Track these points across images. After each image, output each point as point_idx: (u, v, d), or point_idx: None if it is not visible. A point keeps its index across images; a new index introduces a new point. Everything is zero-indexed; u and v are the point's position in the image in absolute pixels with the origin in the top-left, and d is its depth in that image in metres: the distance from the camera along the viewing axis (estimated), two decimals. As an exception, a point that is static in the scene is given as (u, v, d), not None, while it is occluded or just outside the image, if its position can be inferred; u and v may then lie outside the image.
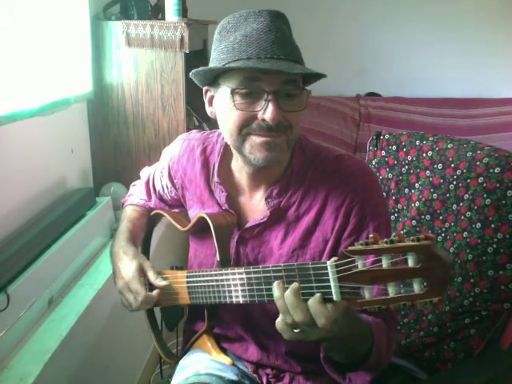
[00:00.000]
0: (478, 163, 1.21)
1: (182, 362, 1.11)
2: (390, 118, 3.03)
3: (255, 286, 0.83)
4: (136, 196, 1.23)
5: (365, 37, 3.19)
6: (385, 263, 0.63)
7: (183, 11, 1.95)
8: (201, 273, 0.96)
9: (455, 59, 3.16)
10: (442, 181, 1.29)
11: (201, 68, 0.89)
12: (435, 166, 1.31)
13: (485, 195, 1.19)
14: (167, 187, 1.14)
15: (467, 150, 1.26)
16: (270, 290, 0.79)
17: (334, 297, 0.69)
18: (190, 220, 1.07)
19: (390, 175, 1.42)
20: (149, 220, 1.21)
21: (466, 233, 1.22)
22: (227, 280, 0.89)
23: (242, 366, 1.08)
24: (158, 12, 2.13)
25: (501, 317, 1.19)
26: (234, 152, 0.97)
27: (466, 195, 1.23)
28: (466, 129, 3.00)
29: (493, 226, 1.17)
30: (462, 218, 1.24)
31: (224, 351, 1.07)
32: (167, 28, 1.86)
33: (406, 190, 1.39)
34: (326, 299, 0.70)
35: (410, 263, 0.61)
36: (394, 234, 0.63)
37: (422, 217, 1.33)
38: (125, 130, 2.02)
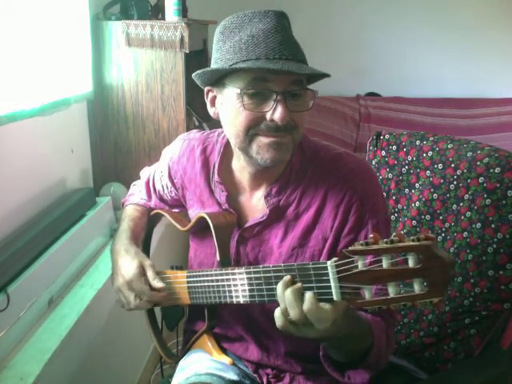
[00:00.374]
0: (478, 163, 1.21)
1: (182, 362, 1.11)
2: (389, 118, 3.03)
3: (255, 285, 0.83)
4: (136, 196, 1.23)
5: (365, 37, 3.19)
6: (385, 263, 0.63)
7: (183, 11, 1.95)
8: (201, 273, 0.96)
9: (455, 59, 3.16)
10: (442, 181, 1.29)
11: (207, 68, 0.88)
12: (435, 166, 1.31)
13: (485, 195, 1.19)
14: (167, 187, 1.14)
15: (467, 149, 1.26)
16: (271, 290, 0.79)
17: (335, 297, 0.69)
18: (190, 220, 1.07)
19: (390, 175, 1.42)
20: (149, 220, 1.21)
21: (466, 233, 1.22)
22: (227, 280, 0.89)
23: (242, 366, 1.09)
24: (158, 12, 2.13)
25: (501, 317, 1.19)
26: (236, 152, 0.97)
27: (467, 195, 1.23)
28: (466, 129, 3.00)
29: (493, 225, 1.17)
30: (462, 217, 1.24)
31: (224, 351, 1.07)
32: (167, 28, 1.86)
33: (406, 190, 1.39)
34: (326, 299, 0.70)
35: (411, 263, 0.61)
36: (394, 234, 0.63)
37: (422, 217, 1.33)
38: (125, 130, 2.02)
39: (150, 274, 1.00)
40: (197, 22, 2.08)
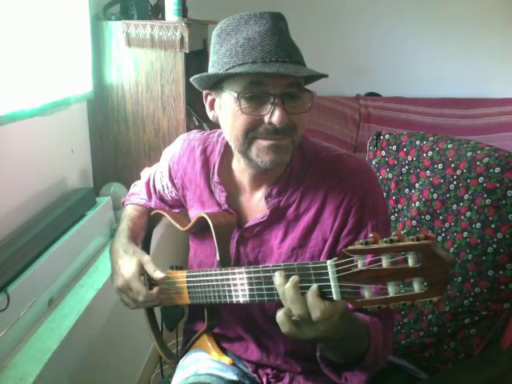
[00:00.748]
0: (478, 163, 1.21)
1: (182, 362, 1.11)
2: (389, 118, 3.03)
3: (255, 285, 0.83)
4: (137, 196, 1.23)
5: (365, 37, 3.19)
6: (385, 263, 0.63)
7: (183, 11, 1.95)
8: (201, 272, 0.96)
9: (455, 59, 3.16)
10: (442, 181, 1.29)
11: (204, 74, 0.88)
12: (435, 165, 1.31)
13: (485, 195, 1.19)
14: (167, 187, 1.14)
15: (467, 149, 1.26)
16: (270, 289, 0.79)
17: (334, 296, 0.69)
18: (190, 220, 1.07)
19: (390, 175, 1.42)
20: (149, 220, 1.21)
21: (466, 233, 1.22)
22: (227, 280, 0.89)
23: (242, 366, 1.09)
24: (158, 12, 2.14)
25: (501, 317, 1.19)
26: (236, 153, 0.97)
27: (466, 195, 1.23)
28: (466, 129, 2.99)
29: (493, 226, 1.17)
30: (462, 217, 1.24)
31: (224, 351, 1.07)
32: (167, 28, 1.86)
33: (406, 190, 1.39)
34: (326, 298, 0.70)
35: (410, 263, 0.61)
36: (393, 233, 0.63)
37: (422, 217, 1.33)
38: (125, 130, 2.02)
39: (149, 267, 1.00)
40: (197, 21, 2.08)
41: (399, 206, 1.41)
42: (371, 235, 0.64)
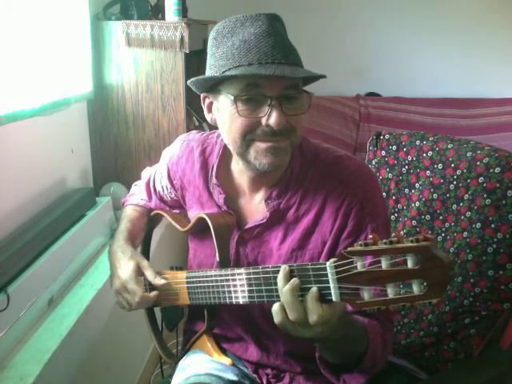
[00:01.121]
0: (478, 163, 1.21)
1: (182, 363, 1.11)
2: (389, 118, 3.02)
3: (255, 286, 0.83)
4: (137, 196, 1.23)
5: (365, 37, 3.19)
6: (384, 264, 0.62)
7: (183, 11, 1.95)
8: (201, 273, 0.96)
9: (455, 59, 3.16)
10: (442, 181, 1.29)
11: (200, 77, 0.88)
12: (435, 165, 1.31)
13: (485, 195, 1.19)
14: (167, 188, 1.14)
15: (467, 149, 1.26)
16: (270, 290, 0.79)
17: (334, 298, 0.69)
18: (190, 221, 1.07)
19: (390, 175, 1.42)
20: (149, 220, 1.21)
21: (466, 233, 1.22)
22: (227, 280, 0.89)
23: (241, 367, 1.09)
24: (158, 12, 2.13)
25: (501, 317, 1.19)
26: (235, 155, 0.96)
27: (466, 195, 1.23)
28: (466, 129, 2.99)
29: (493, 225, 1.17)
30: (462, 217, 1.24)
31: (224, 351, 1.07)
32: (167, 28, 1.86)
33: (406, 190, 1.39)
34: (325, 300, 0.70)
35: (409, 264, 0.61)
36: (393, 234, 0.63)
37: (422, 217, 1.33)
38: (125, 130, 2.02)
39: (149, 273, 1.00)
40: (197, 22, 2.08)
41: (399, 206, 1.41)
42: (370, 237, 0.64)
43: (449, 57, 3.15)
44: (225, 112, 0.88)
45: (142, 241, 1.20)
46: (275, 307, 0.73)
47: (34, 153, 1.50)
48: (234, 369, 1.07)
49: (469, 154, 1.25)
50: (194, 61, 2.11)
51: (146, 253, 1.22)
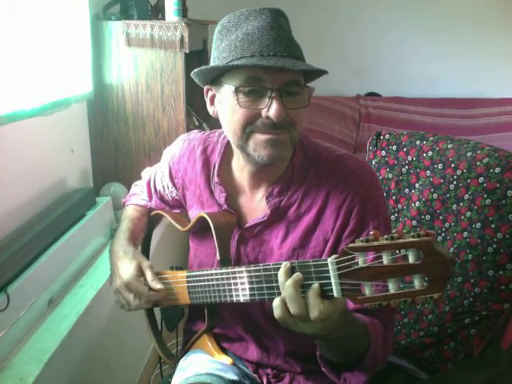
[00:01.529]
0: (478, 163, 1.21)
1: (182, 362, 1.11)
2: (389, 118, 3.02)
3: (256, 284, 0.83)
4: (137, 196, 1.23)
5: (365, 37, 3.19)
6: (385, 259, 0.63)
7: (183, 11, 1.95)
8: (201, 272, 0.96)
9: (455, 59, 3.16)
10: (442, 181, 1.29)
11: (203, 67, 0.89)
12: (435, 165, 1.31)
13: (485, 195, 1.19)
14: (168, 187, 1.14)
15: (467, 149, 1.26)
16: (271, 287, 0.79)
17: (335, 294, 0.69)
18: (190, 220, 1.07)
19: (390, 175, 1.42)
20: (149, 220, 1.21)
21: (466, 233, 1.22)
22: (227, 279, 0.89)
23: (242, 366, 1.09)
24: (158, 12, 2.13)
25: (501, 317, 1.19)
26: (236, 151, 0.97)
27: (466, 195, 1.23)
28: (466, 129, 2.99)
29: (493, 225, 1.17)
30: (462, 217, 1.24)
31: (224, 351, 1.07)
32: (167, 28, 1.86)
33: (406, 190, 1.39)
34: (327, 296, 0.70)
35: (411, 259, 0.61)
36: (394, 231, 0.63)
37: (422, 217, 1.33)
38: (125, 130, 2.02)
39: (148, 275, 1.00)
40: (197, 22, 2.08)
41: (399, 206, 1.41)
42: (372, 233, 0.64)
43: (449, 57, 3.15)
44: (226, 103, 0.89)
45: (142, 241, 1.20)
46: (276, 301, 0.73)
47: (34, 153, 1.50)
48: (235, 368, 1.07)
49: (469, 154, 1.25)
50: (194, 61, 2.11)
51: (145, 253, 1.22)
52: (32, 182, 1.49)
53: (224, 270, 0.90)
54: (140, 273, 1.01)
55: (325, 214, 0.93)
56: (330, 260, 0.69)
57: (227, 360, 1.04)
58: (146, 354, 2.10)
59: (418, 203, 1.34)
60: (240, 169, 0.99)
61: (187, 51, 1.88)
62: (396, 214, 1.42)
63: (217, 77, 0.90)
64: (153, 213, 1.20)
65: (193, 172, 1.06)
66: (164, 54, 1.91)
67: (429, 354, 1.26)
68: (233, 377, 1.05)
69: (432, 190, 1.31)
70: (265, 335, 1.03)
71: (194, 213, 1.06)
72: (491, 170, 1.18)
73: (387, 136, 1.44)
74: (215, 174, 1.01)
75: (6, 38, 1.28)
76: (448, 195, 1.28)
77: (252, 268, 0.83)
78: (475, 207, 1.21)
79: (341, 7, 3.15)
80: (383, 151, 1.44)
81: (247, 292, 0.85)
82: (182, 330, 1.19)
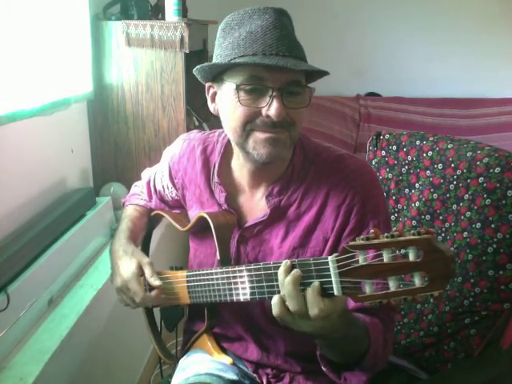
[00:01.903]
0: (478, 163, 1.21)
1: (182, 362, 1.11)
2: (389, 118, 3.03)
3: (256, 283, 0.83)
4: (137, 196, 1.23)
5: (365, 37, 3.19)
6: (386, 257, 0.63)
7: (183, 11, 1.95)
8: (201, 272, 0.96)
9: (455, 59, 3.16)
10: (442, 181, 1.29)
11: (205, 63, 0.89)
12: (435, 165, 1.31)
13: (485, 195, 1.19)
14: (168, 187, 1.14)
15: (467, 149, 1.26)
16: (271, 286, 0.79)
17: (335, 292, 0.69)
18: (190, 221, 1.07)
19: (390, 175, 1.42)
20: (149, 220, 1.21)
21: (466, 233, 1.22)
22: (228, 278, 0.89)
23: (242, 366, 1.09)
24: (158, 12, 2.13)
25: (501, 317, 1.19)
26: (236, 149, 0.97)
27: (466, 195, 1.23)
28: (466, 129, 2.99)
29: (493, 225, 1.17)
30: (462, 217, 1.24)
31: (224, 351, 1.07)
32: (167, 28, 1.86)
33: (406, 190, 1.39)
34: (327, 294, 0.70)
35: (411, 257, 0.61)
36: (394, 228, 0.63)
37: (422, 217, 1.33)
38: (125, 130, 2.02)
39: (147, 271, 1.00)
40: (197, 21, 2.08)
41: (399, 205, 1.41)
42: (372, 231, 0.64)
43: (449, 56, 3.15)
44: (227, 101, 0.89)
45: (142, 241, 1.20)
46: (274, 299, 0.73)
47: (34, 153, 1.50)
48: (235, 368, 1.07)
49: (469, 154, 1.25)
50: (194, 61, 2.10)
51: (145, 253, 1.22)
52: (32, 182, 1.49)
53: (224, 270, 0.90)
54: (140, 271, 1.01)
55: (325, 214, 0.93)
56: (330, 258, 0.69)
57: (227, 360, 1.04)
58: (145, 354, 2.10)
59: (417, 203, 1.34)
60: (240, 168, 0.99)
61: (187, 51, 1.88)
62: (396, 214, 1.42)
63: (218, 74, 0.90)
64: (153, 213, 1.20)
65: (193, 172, 1.06)
66: (164, 54, 1.91)
67: (429, 354, 1.26)
68: (233, 377, 1.05)
69: (432, 190, 1.31)
70: (265, 335, 1.03)
71: (194, 213, 1.06)
72: (491, 170, 1.18)
73: (387, 136, 1.44)
74: (215, 173, 1.02)
75: (6, 38, 1.28)
76: (448, 195, 1.28)
77: (252, 267, 0.83)
78: (475, 207, 1.21)
79: (341, 7, 3.15)
80: (383, 151, 1.44)
81: (247, 291, 0.85)
82: (182, 330, 1.19)
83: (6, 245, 1.26)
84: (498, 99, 3.11)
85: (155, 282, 0.98)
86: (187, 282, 1.00)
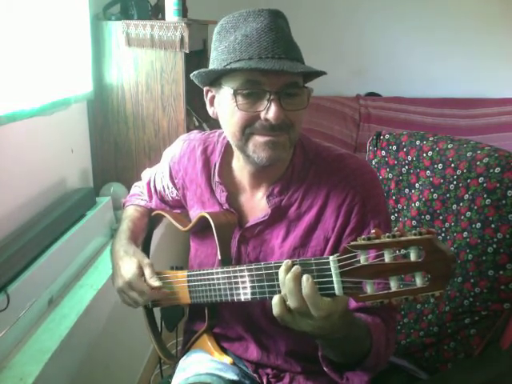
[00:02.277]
0: (478, 163, 1.21)
1: (182, 362, 1.11)
2: (389, 118, 3.03)
3: (257, 282, 0.83)
4: (137, 196, 1.23)
5: (364, 37, 3.19)
6: (387, 257, 0.63)
7: (183, 11, 1.95)
8: (202, 271, 0.96)
9: (455, 59, 3.16)
10: (442, 181, 1.29)
11: (202, 70, 0.89)
12: (435, 165, 1.31)
13: (485, 195, 1.19)
14: (168, 187, 1.14)
15: (467, 149, 1.26)
16: (272, 286, 0.79)
17: (337, 292, 0.69)
18: (191, 221, 1.07)
19: (390, 175, 1.42)
20: (149, 221, 1.21)
21: (466, 233, 1.22)
22: (228, 278, 0.89)
23: (242, 366, 1.08)
24: (158, 12, 2.13)
25: (501, 317, 1.19)
26: (236, 151, 0.97)
27: (466, 195, 1.23)
28: (466, 129, 3.00)
29: (493, 225, 1.17)
30: (462, 217, 1.24)
31: (224, 351, 1.07)
32: (167, 28, 1.86)
33: (406, 190, 1.39)
34: (328, 294, 0.70)
35: (412, 257, 0.61)
36: (395, 228, 0.63)
37: (422, 217, 1.33)
38: (125, 130, 2.02)
39: (147, 272, 1.00)
40: (197, 22, 2.08)
41: (399, 205, 1.41)
42: (373, 231, 0.64)
43: (449, 56, 3.15)
44: (225, 105, 0.89)
45: (142, 241, 1.20)
46: (275, 299, 0.73)
47: (34, 153, 1.50)
48: (235, 368, 1.07)
49: (469, 154, 1.25)
50: (194, 61, 2.11)
51: (145, 253, 1.22)
52: (32, 182, 1.49)
53: (225, 269, 0.90)
54: (141, 271, 1.01)
55: (325, 213, 0.93)
56: (331, 258, 0.69)
57: (227, 360, 1.04)
58: (145, 355, 2.10)
59: (418, 203, 1.34)
60: (240, 169, 0.99)
61: (187, 51, 1.88)
62: (396, 214, 1.42)
63: (216, 78, 0.90)
64: (153, 213, 1.20)
65: (193, 172, 1.06)
66: (164, 54, 1.91)
67: (429, 354, 1.26)
68: (233, 377, 1.05)
69: (432, 189, 1.31)
70: (265, 335, 1.03)
71: (195, 213, 1.06)
72: (491, 170, 1.18)
73: (387, 136, 1.44)
74: (216, 173, 1.02)
75: (6, 38, 1.28)
76: (448, 195, 1.28)
77: (253, 267, 0.83)
78: (475, 207, 1.21)
79: (341, 6, 3.15)
80: (383, 151, 1.44)
81: (248, 291, 0.85)
82: (182, 330, 1.19)
83: (6, 245, 1.26)
84: (497, 99, 3.11)
85: (155, 283, 0.98)
86: (188, 281, 1.00)
